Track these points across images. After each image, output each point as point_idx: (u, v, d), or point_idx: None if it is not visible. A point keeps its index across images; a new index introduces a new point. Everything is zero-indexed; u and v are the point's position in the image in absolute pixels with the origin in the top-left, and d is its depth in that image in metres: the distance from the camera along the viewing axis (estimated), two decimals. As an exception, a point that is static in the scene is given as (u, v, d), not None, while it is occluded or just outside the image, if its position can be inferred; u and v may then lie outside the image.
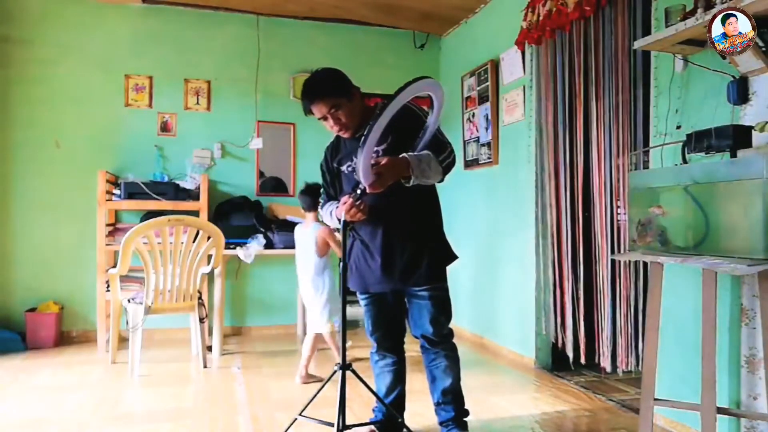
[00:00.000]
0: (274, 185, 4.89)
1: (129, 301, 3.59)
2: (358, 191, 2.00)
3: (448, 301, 2.28)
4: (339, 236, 2.46)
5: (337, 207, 2.16)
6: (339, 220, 2.12)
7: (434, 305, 2.22)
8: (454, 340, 2.33)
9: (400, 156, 1.99)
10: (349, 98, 2.14)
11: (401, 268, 2.17)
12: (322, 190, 2.44)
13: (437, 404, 2.32)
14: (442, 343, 2.28)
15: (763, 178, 1.81)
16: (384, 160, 1.94)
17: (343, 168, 2.26)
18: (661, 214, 2.21)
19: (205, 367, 3.63)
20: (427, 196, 2.25)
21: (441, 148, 2.09)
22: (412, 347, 2.50)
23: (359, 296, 2.35)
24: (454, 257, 2.30)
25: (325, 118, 2.13)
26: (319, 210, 2.46)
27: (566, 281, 3.40)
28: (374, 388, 2.37)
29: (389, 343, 2.37)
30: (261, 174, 4.86)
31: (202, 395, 3.08)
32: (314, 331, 3.40)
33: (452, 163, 2.13)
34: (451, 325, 2.31)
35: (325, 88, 2.11)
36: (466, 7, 4.51)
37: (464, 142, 4.62)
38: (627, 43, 2.87)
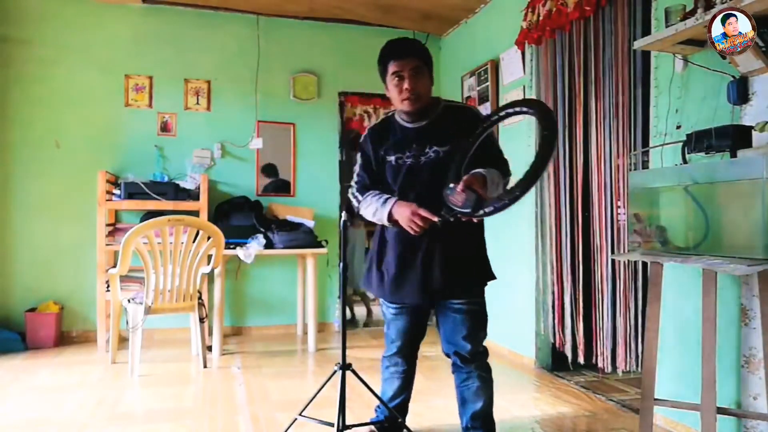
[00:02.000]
0: (278, 185, 4.89)
1: (129, 301, 3.59)
2: (448, 217, 1.83)
3: (486, 316, 2.15)
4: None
5: (385, 202, 2.01)
6: (390, 222, 2.00)
7: (472, 318, 2.09)
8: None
9: (479, 174, 1.84)
10: (431, 72, 2.07)
11: (442, 281, 2.04)
12: (355, 179, 2.18)
13: (465, 429, 2.17)
14: (475, 362, 2.13)
15: (763, 178, 1.81)
16: (475, 183, 1.77)
17: (391, 158, 2.08)
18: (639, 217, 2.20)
19: (205, 367, 3.63)
20: None
21: (505, 168, 2.02)
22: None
23: (387, 304, 2.22)
24: (493, 276, 2.16)
25: (401, 77, 1.99)
26: (352, 198, 2.18)
27: (566, 281, 3.40)
28: (379, 390, 2.36)
29: (408, 350, 2.27)
30: (271, 173, 4.87)
31: (202, 395, 3.08)
32: None
33: (506, 185, 2.02)
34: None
35: (421, 47, 2.05)
36: (466, 7, 4.51)
37: (464, 142, 4.62)
38: (627, 43, 2.87)
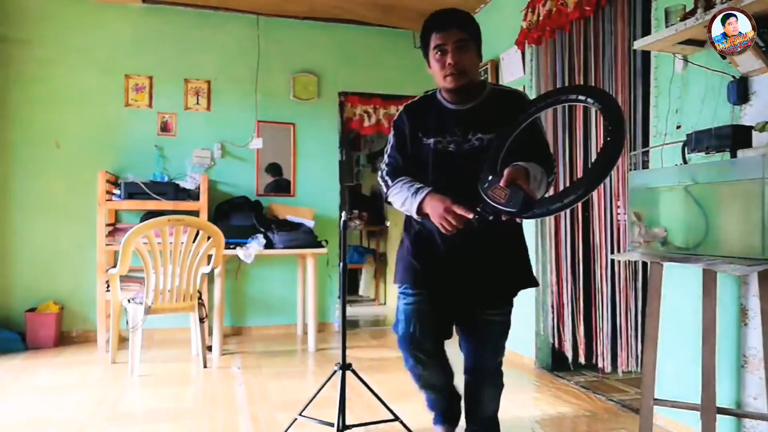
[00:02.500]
0: (280, 185, 4.89)
1: (129, 301, 3.59)
2: (486, 215, 1.59)
3: (510, 325, 2.02)
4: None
5: (417, 192, 1.77)
6: (419, 216, 1.78)
7: (502, 329, 1.98)
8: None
9: (521, 168, 1.60)
10: (478, 47, 1.87)
11: (486, 289, 1.89)
12: (386, 160, 1.93)
13: (472, 431, 2.10)
14: (493, 374, 2.03)
15: (763, 178, 1.81)
16: (521, 179, 1.55)
17: (429, 141, 1.86)
18: (639, 218, 2.20)
19: (205, 367, 3.63)
20: None
21: (550, 165, 1.76)
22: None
23: (407, 291, 1.93)
24: (536, 282, 2.02)
25: (443, 51, 1.80)
26: (381, 182, 1.95)
27: (565, 281, 3.40)
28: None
29: (429, 343, 1.95)
30: (276, 172, 4.87)
31: (202, 395, 3.08)
32: None
33: (549, 185, 1.79)
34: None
35: (468, 18, 1.87)
36: (466, 7, 4.45)
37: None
38: (627, 43, 2.87)
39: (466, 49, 1.81)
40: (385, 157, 1.95)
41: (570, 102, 1.71)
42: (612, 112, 1.52)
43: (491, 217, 1.57)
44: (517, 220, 1.67)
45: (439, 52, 1.82)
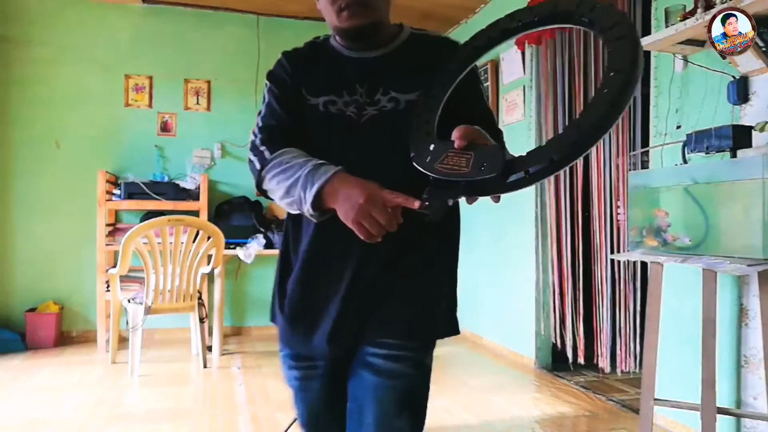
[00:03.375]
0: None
1: (129, 301, 3.59)
2: (445, 199, 0.95)
3: (425, 391, 1.17)
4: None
5: (314, 170, 1.04)
6: (317, 213, 1.04)
7: (399, 388, 1.12)
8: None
9: (475, 127, 0.99)
10: None
11: (379, 313, 1.15)
12: (259, 123, 1.21)
13: None
14: None
15: (763, 178, 1.81)
16: (480, 138, 0.97)
17: (317, 101, 1.18)
18: (665, 217, 2.20)
19: (205, 367, 3.63)
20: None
21: (496, 132, 1.14)
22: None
23: (293, 364, 1.26)
24: (457, 329, 1.23)
25: None
26: (252, 157, 1.19)
27: (566, 281, 3.40)
28: None
29: None
30: None
31: (202, 395, 3.08)
32: None
33: None
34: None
35: None
36: (466, 7, 4.51)
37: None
38: (627, 43, 2.87)
39: None
40: (259, 120, 1.21)
41: (528, 29, 1.07)
42: (611, 21, 0.91)
43: (451, 202, 0.95)
44: (494, 200, 0.94)
45: None
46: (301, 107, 1.20)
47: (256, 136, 1.20)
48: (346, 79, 1.20)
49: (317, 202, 1.02)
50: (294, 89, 1.21)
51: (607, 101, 0.89)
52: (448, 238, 1.24)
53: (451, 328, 1.23)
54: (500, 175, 0.90)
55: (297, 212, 1.10)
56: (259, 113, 1.24)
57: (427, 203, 0.94)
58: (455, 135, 0.97)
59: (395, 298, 1.16)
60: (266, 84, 1.25)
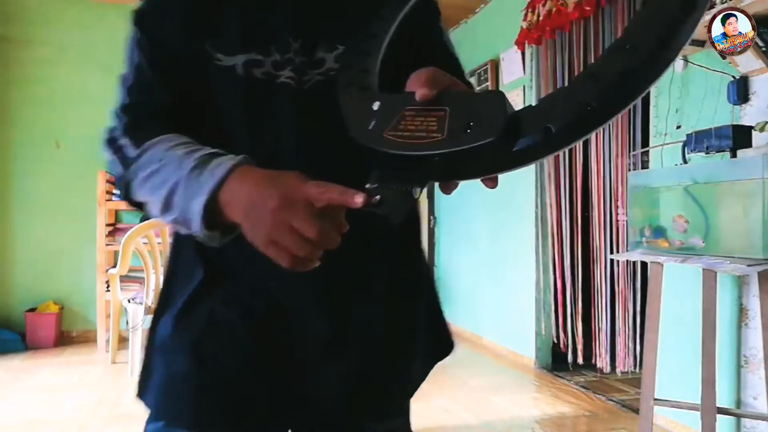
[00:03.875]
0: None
1: (129, 301, 3.59)
2: (415, 183, 0.56)
3: None
4: None
5: (202, 163, 0.65)
6: (211, 234, 0.64)
7: None
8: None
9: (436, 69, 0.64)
10: None
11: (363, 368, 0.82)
12: (122, 101, 0.81)
13: None
14: None
15: (762, 178, 1.81)
16: (451, 82, 0.62)
17: (230, 62, 0.77)
18: (684, 224, 2.18)
19: (205, 367, 3.63)
20: None
21: (463, 76, 0.84)
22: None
23: None
24: (448, 348, 0.95)
25: None
26: (107, 150, 0.80)
27: (566, 281, 3.40)
28: None
29: None
30: None
31: (202, 395, 3.08)
32: None
33: None
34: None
35: None
36: (466, 7, 4.51)
37: (464, 142, 4.61)
38: (627, 43, 2.87)
39: None
40: (121, 93, 0.82)
41: None
42: None
43: (420, 189, 0.56)
44: (489, 184, 0.58)
45: None
46: (203, 71, 0.78)
47: (115, 120, 0.80)
48: (273, 28, 0.79)
49: (211, 216, 0.63)
50: (187, 41, 0.78)
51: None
52: (413, 235, 0.89)
53: (443, 349, 0.93)
54: (500, 139, 0.53)
55: (181, 227, 0.68)
56: (122, 81, 0.81)
57: (377, 197, 0.55)
58: (415, 81, 0.62)
59: (395, 353, 0.84)
60: (132, 34, 0.80)
